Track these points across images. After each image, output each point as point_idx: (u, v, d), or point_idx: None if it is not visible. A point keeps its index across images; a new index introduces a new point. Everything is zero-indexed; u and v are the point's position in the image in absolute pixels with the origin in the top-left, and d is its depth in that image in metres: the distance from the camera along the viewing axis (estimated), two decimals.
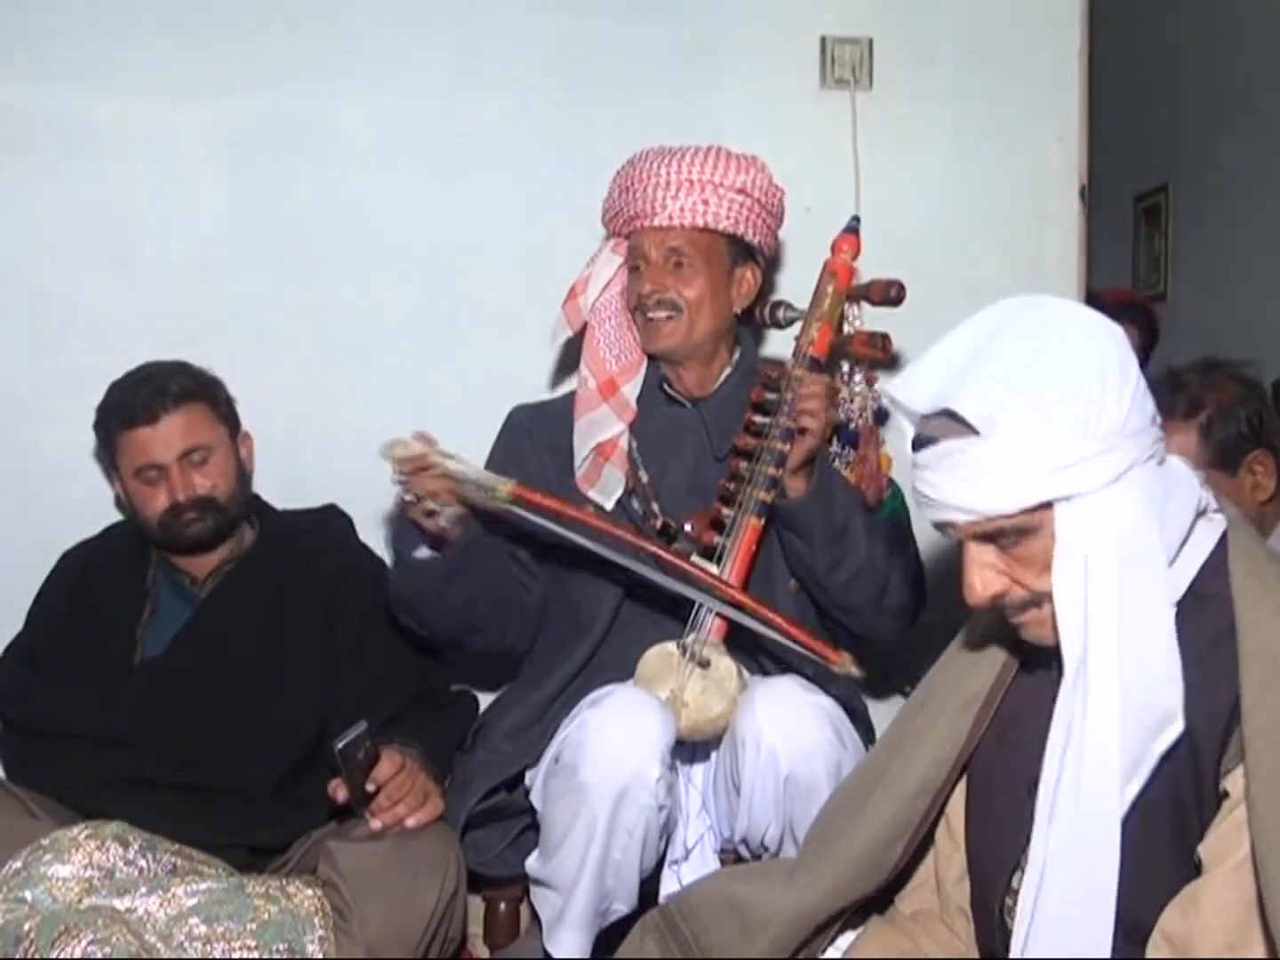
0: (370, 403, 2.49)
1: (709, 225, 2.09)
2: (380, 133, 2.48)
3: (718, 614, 1.97)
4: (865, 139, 2.55)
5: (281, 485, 2.33)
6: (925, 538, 2.37)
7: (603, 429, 2.11)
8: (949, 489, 1.29)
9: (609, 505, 2.09)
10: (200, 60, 2.42)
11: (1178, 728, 1.27)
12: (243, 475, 2.21)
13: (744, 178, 2.11)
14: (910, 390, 1.34)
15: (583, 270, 2.20)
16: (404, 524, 2.00)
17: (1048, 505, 1.27)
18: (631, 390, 2.13)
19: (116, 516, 2.34)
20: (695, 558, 1.98)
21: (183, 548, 2.15)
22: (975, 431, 1.26)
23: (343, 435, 2.48)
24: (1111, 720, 1.27)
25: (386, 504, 2.41)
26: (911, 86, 2.59)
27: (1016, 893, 1.39)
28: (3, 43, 2.37)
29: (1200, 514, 1.36)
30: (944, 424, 1.30)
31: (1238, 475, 2.09)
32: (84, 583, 2.19)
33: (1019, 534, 1.29)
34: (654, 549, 1.97)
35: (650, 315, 2.10)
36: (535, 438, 2.17)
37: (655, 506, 2.10)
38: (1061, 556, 1.28)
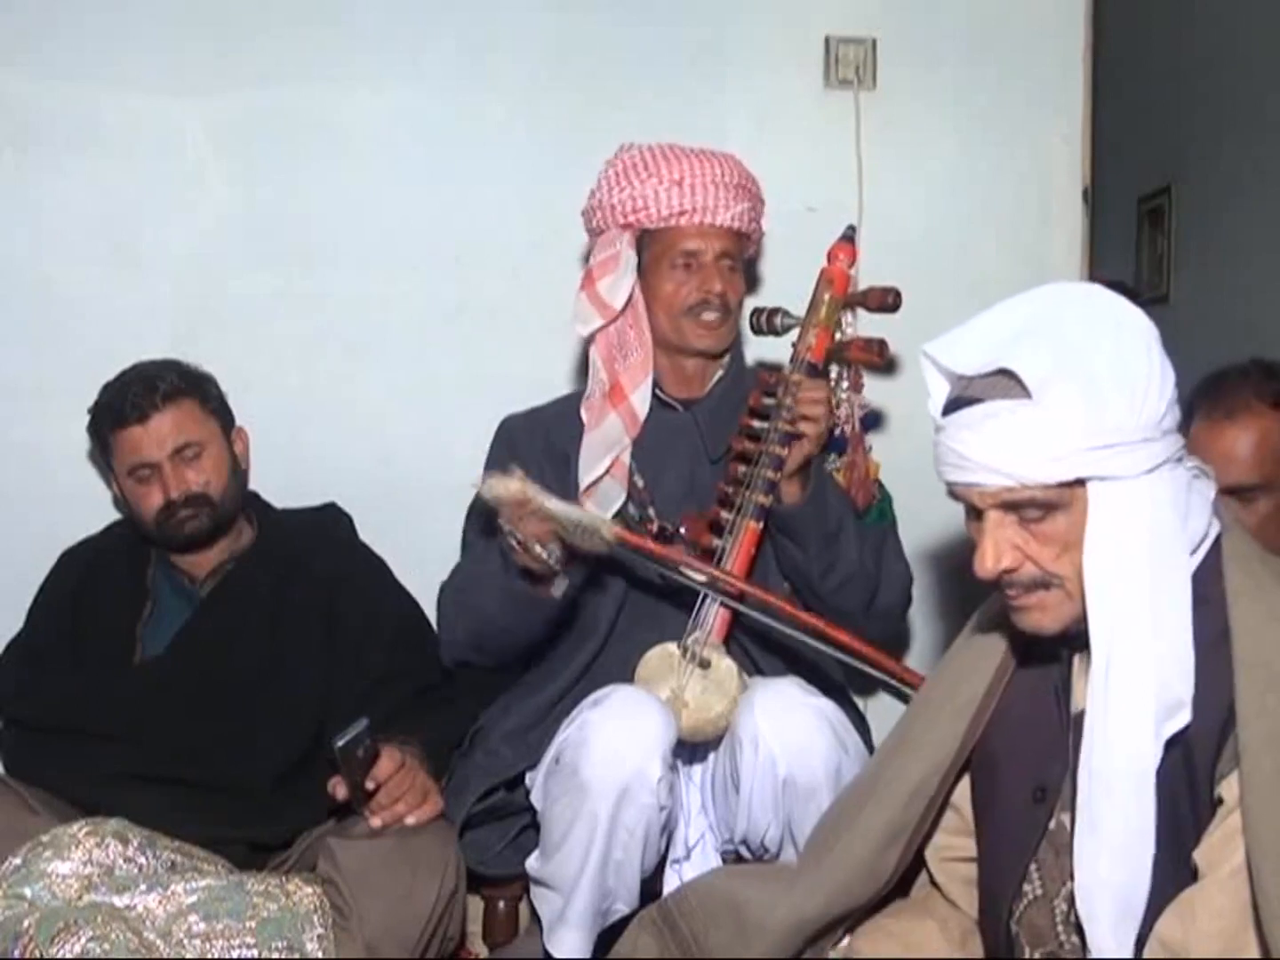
0: (372, 399, 2.50)
1: (749, 230, 2.14)
2: (383, 128, 2.48)
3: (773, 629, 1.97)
4: (868, 139, 2.56)
5: (282, 483, 2.33)
6: (918, 541, 2.38)
7: (612, 447, 2.08)
8: (989, 450, 1.28)
9: (608, 516, 2.06)
10: (203, 55, 2.42)
11: (1186, 716, 1.27)
12: (237, 471, 2.20)
13: (755, 185, 2.16)
14: (956, 351, 1.33)
15: (596, 255, 2.13)
16: (508, 558, 1.94)
17: (1080, 483, 1.27)
18: (640, 400, 2.09)
19: (118, 514, 2.34)
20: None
21: (180, 545, 2.15)
22: (1027, 394, 1.26)
23: (344, 432, 2.49)
24: (1141, 705, 1.27)
25: (386, 502, 2.43)
26: (915, 87, 2.59)
27: (1025, 898, 1.41)
28: (6, 37, 2.37)
29: (1214, 515, 1.37)
30: (993, 384, 1.29)
31: None
32: (85, 581, 2.19)
33: (1046, 508, 1.28)
34: (734, 580, 1.96)
35: (705, 317, 2.09)
36: (532, 446, 2.15)
37: (651, 511, 2.10)
38: (1093, 538, 1.28)
